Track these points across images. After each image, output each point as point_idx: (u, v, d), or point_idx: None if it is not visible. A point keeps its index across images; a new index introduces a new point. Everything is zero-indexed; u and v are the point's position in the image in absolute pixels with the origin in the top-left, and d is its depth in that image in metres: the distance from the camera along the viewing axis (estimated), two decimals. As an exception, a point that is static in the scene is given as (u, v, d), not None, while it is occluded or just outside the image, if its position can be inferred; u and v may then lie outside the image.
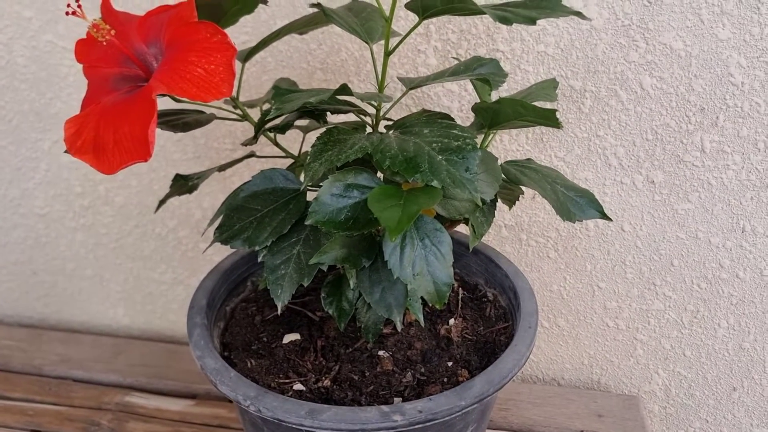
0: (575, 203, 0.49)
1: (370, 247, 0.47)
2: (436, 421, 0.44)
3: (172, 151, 0.80)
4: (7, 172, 0.84)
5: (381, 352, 0.53)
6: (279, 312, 0.48)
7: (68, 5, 0.43)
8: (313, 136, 0.48)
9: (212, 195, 0.82)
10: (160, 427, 0.73)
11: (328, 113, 0.52)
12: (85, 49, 0.47)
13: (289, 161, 0.55)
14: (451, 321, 0.57)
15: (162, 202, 0.56)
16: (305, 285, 0.47)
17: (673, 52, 0.65)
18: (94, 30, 0.43)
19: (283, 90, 0.48)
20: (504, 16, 0.43)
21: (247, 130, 0.77)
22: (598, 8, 0.64)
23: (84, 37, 0.47)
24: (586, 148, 0.71)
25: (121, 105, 0.41)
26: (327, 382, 0.51)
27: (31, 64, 0.77)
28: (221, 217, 0.50)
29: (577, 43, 0.66)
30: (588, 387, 0.84)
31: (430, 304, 0.45)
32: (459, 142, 0.41)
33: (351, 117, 0.53)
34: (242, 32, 0.71)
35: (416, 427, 0.44)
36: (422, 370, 0.52)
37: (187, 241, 0.85)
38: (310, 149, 0.44)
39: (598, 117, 0.69)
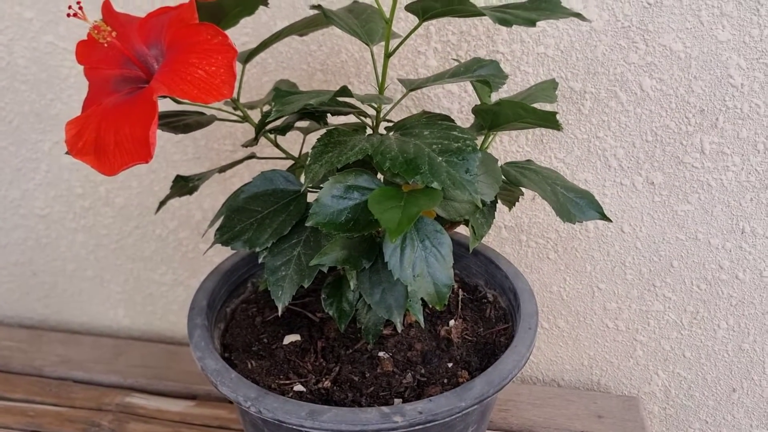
0: (575, 204, 0.49)
1: (371, 248, 0.47)
2: (437, 422, 0.44)
3: (172, 152, 0.80)
4: (8, 173, 0.85)
5: (381, 353, 0.54)
6: (279, 313, 0.48)
7: (69, 7, 0.43)
8: (313, 138, 0.48)
9: (213, 196, 0.82)
10: (161, 428, 0.73)
11: (329, 115, 0.52)
12: (86, 51, 0.47)
13: (290, 163, 0.55)
14: (451, 322, 0.57)
15: (162, 203, 0.56)
16: (306, 286, 0.47)
17: (672, 54, 0.65)
18: (95, 31, 0.43)
19: (283, 92, 0.48)
20: (504, 17, 0.43)
21: (247, 131, 0.77)
22: (598, 10, 0.64)
23: (85, 38, 0.47)
24: (585, 150, 0.71)
25: (122, 106, 0.41)
26: (327, 383, 0.51)
27: (32, 65, 0.77)
28: (222, 218, 0.50)
29: (577, 44, 0.66)
30: (588, 388, 0.84)
31: (431, 306, 0.46)
32: (459, 144, 0.41)
33: (351, 118, 0.53)
34: (243, 34, 0.71)
35: (416, 428, 0.44)
36: (422, 371, 0.52)
37: (187, 242, 0.85)
38: (310, 151, 0.44)
39: (597, 118, 0.69)
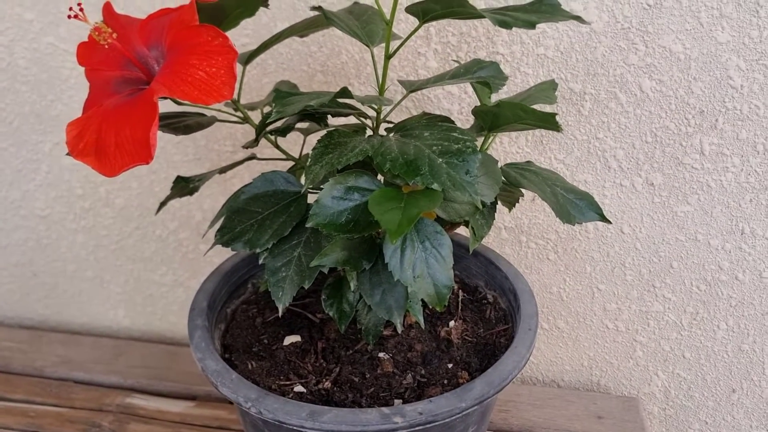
0: (575, 205, 0.49)
1: (371, 249, 0.47)
2: (437, 423, 0.44)
3: (172, 153, 0.80)
4: (8, 173, 0.85)
5: (381, 354, 0.54)
6: (280, 314, 0.48)
7: (70, 8, 0.43)
8: (313, 139, 0.48)
9: (213, 197, 0.82)
10: (161, 429, 0.73)
11: (329, 116, 0.52)
12: (86, 52, 0.47)
13: (290, 164, 0.56)
14: (452, 323, 0.57)
15: (163, 204, 0.56)
16: (306, 287, 0.47)
17: (672, 55, 0.65)
18: (96, 33, 0.43)
19: (283, 93, 0.48)
20: (503, 20, 0.43)
21: (247, 132, 0.77)
22: (598, 11, 0.64)
23: (86, 40, 0.47)
24: (585, 151, 0.71)
25: (123, 108, 0.41)
26: (327, 384, 0.51)
27: (33, 66, 0.77)
28: (222, 219, 0.50)
29: (577, 46, 0.66)
30: (588, 389, 0.84)
31: (431, 306, 0.46)
32: (459, 145, 0.41)
33: (351, 120, 0.53)
34: (243, 35, 0.72)
35: (417, 428, 0.44)
36: (422, 371, 0.52)
37: (187, 243, 0.86)
38: (310, 152, 0.44)
39: (597, 119, 0.69)
